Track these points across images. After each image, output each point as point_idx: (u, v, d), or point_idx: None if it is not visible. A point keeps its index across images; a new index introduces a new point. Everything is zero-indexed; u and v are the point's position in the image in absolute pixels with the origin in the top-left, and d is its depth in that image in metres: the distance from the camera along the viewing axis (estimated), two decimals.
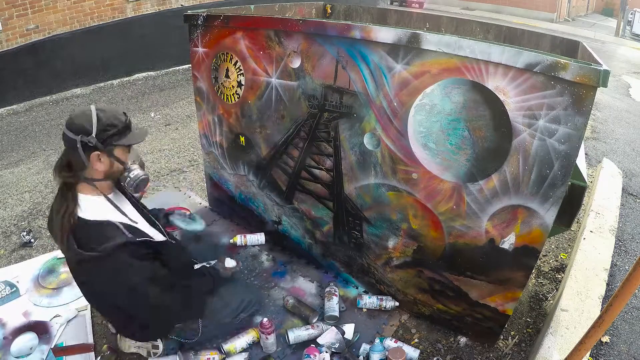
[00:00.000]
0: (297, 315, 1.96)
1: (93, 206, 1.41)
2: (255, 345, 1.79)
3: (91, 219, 1.38)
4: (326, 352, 1.74)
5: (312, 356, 1.69)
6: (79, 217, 1.36)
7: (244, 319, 1.86)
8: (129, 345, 1.74)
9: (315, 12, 3.05)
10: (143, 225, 1.56)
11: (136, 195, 1.68)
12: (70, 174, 1.39)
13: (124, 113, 1.45)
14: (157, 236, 1.59)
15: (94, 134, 1.34)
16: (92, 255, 1.32)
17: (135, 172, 1.49)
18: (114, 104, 4.82)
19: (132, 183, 1.49)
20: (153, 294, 1.45)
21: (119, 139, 1.40)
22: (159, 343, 1.69)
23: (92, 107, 1.38)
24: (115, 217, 1.45)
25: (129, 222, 1.47)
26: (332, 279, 2.19)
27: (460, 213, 1.63)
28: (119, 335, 1.78)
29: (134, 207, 1.60)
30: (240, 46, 1.97)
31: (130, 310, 1.50)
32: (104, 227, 1.39)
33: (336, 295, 2.00)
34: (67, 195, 1.38)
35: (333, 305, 1.94)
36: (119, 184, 1.56)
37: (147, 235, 1.51)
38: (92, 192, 1.44)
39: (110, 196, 1.49)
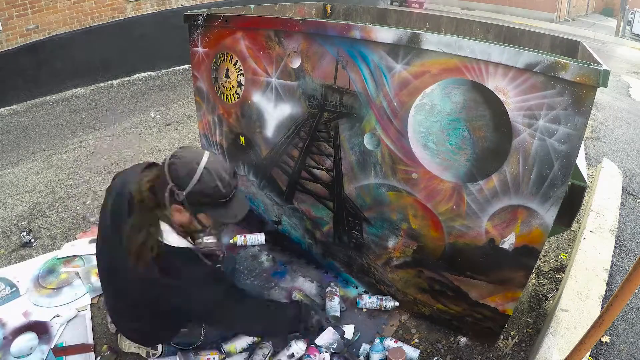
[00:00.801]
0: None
1: (173, 234, 1.37)
2: (255, 344, 1.79)
3: (174, 245, 1.35)
4: (326, 352, 1.74)
5: (312, 356, 1.69)
6: (164, 243, 1.33)
7: None
8: (129, 345, 1.73)
9: (315, 12, 3.05)
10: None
11: None
12: (155, 202, 1.32)
13: (230, 183, 1.34)
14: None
15: (184, 193, 1.27)
16: (178, 283, 1.32)
17: (209, 238, 1.52)
18: (114, 104, 4.82)
19: (203, 250, 1.46)
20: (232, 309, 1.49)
21: (208, 209, 1.34)
22: (159, 345, 1.69)
23: (204, 160, 1.29)
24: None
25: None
26: (332, 279, 2.19)
27: (460, 213, 1.63)
28: (119, 335, 1.78)
29: None
30: (240, 46, 1.97)
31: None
32: (187, 254, 1.37)
33: (337, 296, 2.00)
34: (148, 222, 1.32)
35: (335, 305, 1.95)
36: None
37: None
38: (177, 234, 1.38)
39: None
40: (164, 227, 1.35)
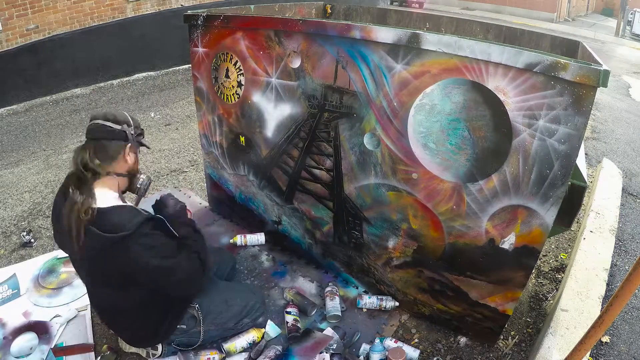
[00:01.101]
0: (298, 306, 1.96)
1: (108, 198, 1.43)
2: (255, 344, 1.79)
3: (109, 205, 1.41)
4: (325, 352, 1.74)
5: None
6: (97, 209, 1.38)
7: (246, 324, 1.83)
8: (129, 346, 1.74)
9: (315, 12, 3.05)
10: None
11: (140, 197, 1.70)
12: (98, 162, 1.43)
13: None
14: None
15: (132, 127, 1.51)
16: (120, 235, 1.33)
17: (144, 175, 1.62)
18: (114, 104, 4.82)
19: (145, 184, 1.60)
20: (182, 260, 1.49)
21: (142, 138, 1.59)
22: (158, 345, 1.69)
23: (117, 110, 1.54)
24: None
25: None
26: (332, 279, 2.19)
27: (460, 213, 1.63)
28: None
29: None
30: (240, 46, 1.97)
31: (162, 287, 1.50)
32: (124, 209, 1.43)
33: (337, 295, 2.00)
34: (82, 190, 1.39)
35: (336, 305, 1.95)
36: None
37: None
38: (110, 187, 1.47)
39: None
40: (99, 191, 1.42)
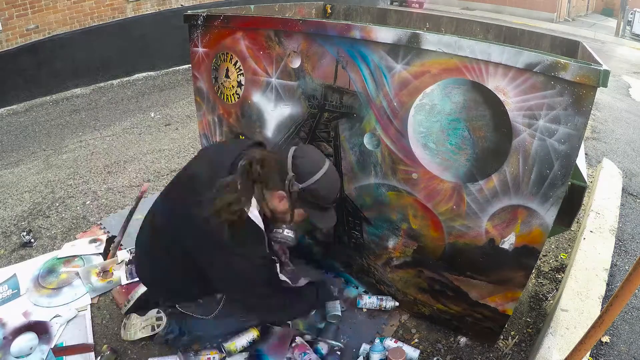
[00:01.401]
0: None
1: (256, 211, 1.44)
2: (255, 343, 1.80)
3: (254, 217, 1.42)
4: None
5: (308, 352, 1.72)
6: (247, 214, 1.39)
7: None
8: (134, 332, 1.77)
9: (315, 12, 3.05)
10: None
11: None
12: (257, 175, 1.41)
13: (337, 195, 1.53)
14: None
15: (301, 186, 1.41)
16: (234, 250, 1.37)
17: (288, 231, 1.61)
18: (114, 104, 4.82)
19: (279, 237, 1.61)
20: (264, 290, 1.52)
21: (309, 208, 1.48)
22: (162, 315, 1.74)
23: (327, 165, 1.45)
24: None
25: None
26: (332, 279, 2.19)
27: (460, 213, 1.63)
28: (125, 325, 1.80)
29: None
30: (240, 46, 1.97)
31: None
32: (258, 233, 1.44)
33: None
34: (245, 193, 1.38)
35: (335, 305, 1.95)
36: None
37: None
38: (258, 208, 1.46)
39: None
40: (253, 202, 1.42)
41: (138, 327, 1.77)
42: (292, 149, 1.45)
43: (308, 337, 1.84)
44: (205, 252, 1.44)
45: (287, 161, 1.41)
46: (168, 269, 1.58)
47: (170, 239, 1.51)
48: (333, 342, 1.82)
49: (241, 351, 1.76)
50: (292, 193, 1.41)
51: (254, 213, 1.42)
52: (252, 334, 1.80)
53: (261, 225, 1.46)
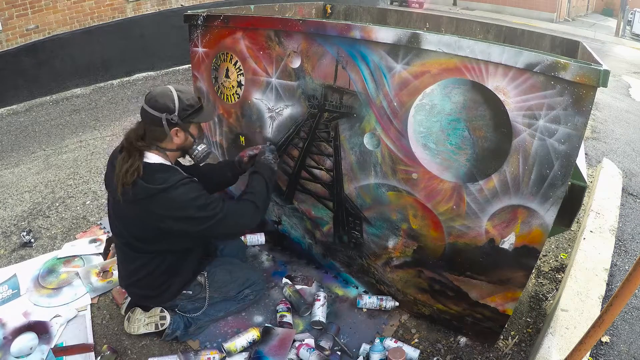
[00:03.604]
0: (292, 303, 1.98)
1: (158, 159, 1.61)
2: (256, 344, 1.79)
3: (156, 162, 1.59)
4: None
5: (306, 347, 1.74)
6: (145, 163, 1.55)
7: (247, 297, 1.95)
8: (137, 327, 1.78)
9: (315, 12, 3.05)
10: None
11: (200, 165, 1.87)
12: (145, 144, 1.58)
13: (194, 93, 1.72)
14: None
15: (176, 113, 1.55)
16: (160, 187, 1.51)
17: (202, 146, 1.70)
18: (114, 104, 4.82)
19: (200, 155, 1.70)
20: (226, 208, 1.63)
21: (194, 117, 1.62)
22: (166, 314, 1.77)
23: (172, 88, 1.58)
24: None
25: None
26: (332, 279, 2.19)
27: (460, 213, 1.63)
28: (129, 318, 1.82)
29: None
30: (240, 46, 1.97)
31: (198, 233, 1.64)
32: (168, 168, 1.60)
33: (319, 300, 1.97)
34: (134, 156, 1.54)
35: (315, 310, 1.92)
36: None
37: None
38: (160, 155, 1.62)
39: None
40: (148, 154, 1.59)
41: (142, 322, 1.79)
42: (143, 104, 1.57)
43: (309, 338, 1.83)
44: (154, 214, 1.55)
45: (153, 112, 1.54)
46: (144, 265, 1.69)
47: (133, 238, 1.66)
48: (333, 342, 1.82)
49: (241, 351, 1.76)
50: (177, 124, 1.57)
51: (153, 159, 1.59)
52: (253, 334, 1.80)
53: (164, 161, 1.62)
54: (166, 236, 1.62)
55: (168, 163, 1.64)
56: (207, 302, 1.84)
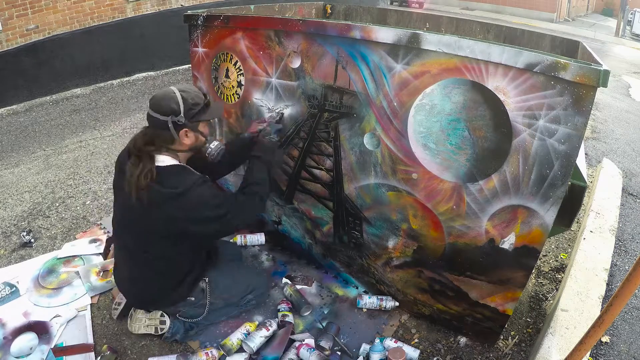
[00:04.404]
0: (293, 303, 1.99)
1: (170, 161, 1.59)
2: (250, 334, 1.80)
3: (169, 164, 1.57)
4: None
5: (306, 347, 1.73)
6: (157, 167, 1.53)
7: (249, 302, 1.94)
8: (138, 327, 1.78)
9: (315, 12, 3.05)
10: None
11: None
12: (154, 148, 1.55)
13: (198, 89, 1.67)
14: None
15: (182, 114, 1.52)
16: (176, 191, 1.50)
17: (215, 143, 1.69)
18: (114, 104, 4.82)
19: (214, 153, 1.69)
20: (238, 205, 1.65)
21: (202, 115, 1.59)
22: (166, 318, 1.77)
23: (175, 89, 1.55)
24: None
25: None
26: (332, 279, 2.19)
27: (460, 213, 1.63)
28: (131, 316, 1.82)
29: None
30: (240, 46, 1.97)
31: (215, 231, 1.69)
32: (181, 170, 1.59)
33: (268, 329, 1.80)
34: (145, 160, 1.52)
35: (253, 336, 1.77)
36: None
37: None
38: (171, 157, 1.60)
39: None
40: (159, 157, 1.56)
41: (142, 323, 1.79)
42: (148, 109, 1.56)
43: (309, 338, 1.83)
44: (166, 217, 1.54)
45: (158, 117, 1.52)
46: (148, 267, 1.67)
47: (140, 241, 1.64)
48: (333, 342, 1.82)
49: (239, 348, 1.76)
50: (185, 125, 1.54)
51: (164, 161, 1.56)
52: (247, 327, 1.82)
53: (175, 162, 1.60)
54: (178, 239, 1.61)
55: (181, 164, 1.62)
56: (209, 309, 1.81)
